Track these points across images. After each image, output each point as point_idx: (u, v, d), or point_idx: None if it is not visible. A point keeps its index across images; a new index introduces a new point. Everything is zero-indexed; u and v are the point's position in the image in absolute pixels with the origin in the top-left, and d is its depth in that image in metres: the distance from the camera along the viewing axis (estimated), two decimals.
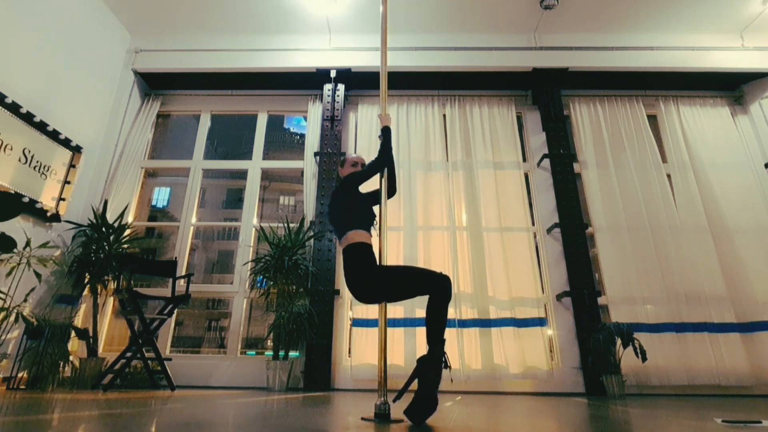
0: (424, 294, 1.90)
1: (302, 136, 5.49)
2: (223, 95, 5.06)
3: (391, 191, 2.30)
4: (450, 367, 1.79)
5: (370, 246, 2.02)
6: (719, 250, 4.07)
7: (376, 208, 2.21)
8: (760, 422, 1.68)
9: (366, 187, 2.26)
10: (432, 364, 1.73)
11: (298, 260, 3.78)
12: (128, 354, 3.27)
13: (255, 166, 4.71)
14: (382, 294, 1.96)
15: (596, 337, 3.47)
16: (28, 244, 3.25)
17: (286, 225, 3.97)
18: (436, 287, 1.86)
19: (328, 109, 4.60)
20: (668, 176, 4.41)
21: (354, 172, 2.23)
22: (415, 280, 1.93)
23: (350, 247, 1.99)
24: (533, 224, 4.33)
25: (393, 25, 4.42)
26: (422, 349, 3.65)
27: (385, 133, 2.26)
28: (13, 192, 3.31)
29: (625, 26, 4.67)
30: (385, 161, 2.21)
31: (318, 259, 4.05)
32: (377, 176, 2.25)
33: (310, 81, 4.77)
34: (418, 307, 3.84)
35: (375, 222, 2.17)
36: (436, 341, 1.78)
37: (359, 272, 1.96)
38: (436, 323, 1.81)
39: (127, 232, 4.01)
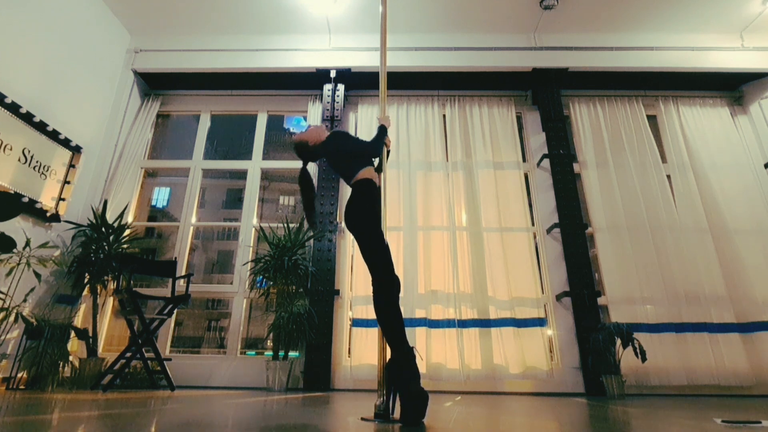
0: (372, 273, 1.90)
1: None
2: (223, 95, 5.06)
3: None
4: (416, 357, 1.76)
5: (375, 183, 2.13)
6: (719, 250, 4.07)
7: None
8: (760, 422, 1.68)
9: None
10: (400, 365, 1.71)
11: (297, 260, 3.78)
12: (128, 354, 3.26)
13: (255, 166, 4.71)
14: (360, 235, 1.98)
15: (596, 337, 3.47)
16: (27, 244, 3.25)
17: (285, 225, 3.97)
18: (383, 275, 1.86)
19: (328, 109, 4.60)
20: (668, 176, 4.41)
21: (347, 134, 2.38)
22: (377, 254, 1.91)
23: (365, 181, 2.10)
24: (533, 224, 4.33)
25: (393, 25, 4.42)
26: (420, 348, 3.66)
27: (381, 132, 2.29)
28: (12, 192, 3.31)
29: (625, 26, 4.67)
30: (373, 149, 2.24)
31: (318, 259, 4.05)
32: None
33: (310, 81, 4.77)
34: (417, 307, 3.84)
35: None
36: (397, 341, 1.75)
37: (361, 206, 2.03)
38: (391, 322, 1.78)
39: (127, 232, 4.01)
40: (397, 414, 1.73)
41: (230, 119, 5.33)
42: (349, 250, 4.27)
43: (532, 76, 4.70)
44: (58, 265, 3.64)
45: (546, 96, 4.65)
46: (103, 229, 3.83)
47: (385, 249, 1.94)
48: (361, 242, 1.98)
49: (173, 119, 5.34)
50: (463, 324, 3.79)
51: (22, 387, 3.20)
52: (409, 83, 4.78)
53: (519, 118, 4.86)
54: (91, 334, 3.55)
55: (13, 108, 3.34)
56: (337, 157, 2.31)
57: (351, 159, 2.21)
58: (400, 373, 1.70)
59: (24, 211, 3.44)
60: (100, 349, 3.89)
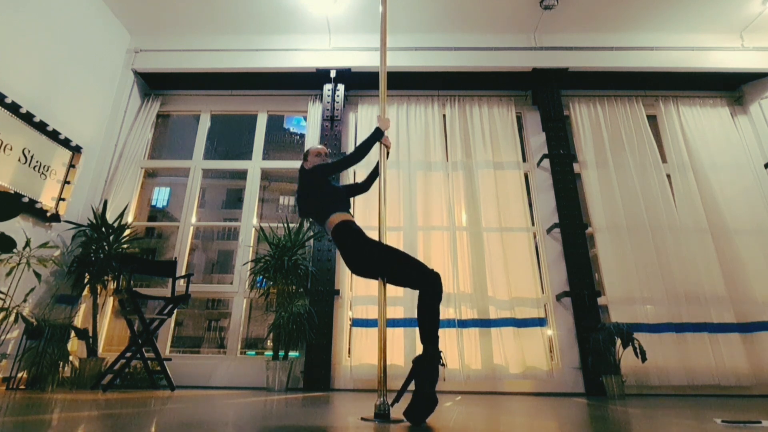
0: (414, 287, 1.91)
1: (302, 136, 5.49)
2: (223, 95, 5.06)
3: (365, 187, 2.46)
4: (445, 365, 1.79)
5: (352, 222, 2.11)
6: (719, 250, 4.07)
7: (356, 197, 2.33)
8: (760, 422, 1.68)
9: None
10: (428, 364, 1.73)
11: (297, 260, 3.78)
12: (128, 354, 3.27)
13: (255, 166, 4.71)
14: (374, 269, 1.99)
15: (596, 337, 3.47)
16: (27, 244, 3.25)
17: (285, 225, 3.97)
18: (425, 282, 1.86)
19: (327, 109, 4.60)
20: (668, 176, 4.41)
21: (322, 164, 2.29)
22: (406, 268, 1.92)
23: (336, 229, 2.07)
24: (533, 224, 4.33)
25: (393, 25, 4.42)
26: (421, 348, 3.65)
27: (373, 133, 2.29)
28: (12, 192, 3.31)
29: (625, 26, 4.67)
30: (355, 158, 2.25)
31: (318, 259, 4.05)
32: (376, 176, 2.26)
33: (310, 81, 4.77)
34: None
35: (350, 208, 2.28)
36: (430, 340, 1.79)
37: (350, 247, 2.01)
38: (428, 322, 1.82)
39: (127, 232, 4.01)
40: (398, 413, 1.73)
41: (230, 119, 5.33)
42: None
43: (532, 76, 4.70)
44: (58, 265, 3.64)
45: (546, 96, 4.64)
46: (103, 229, 3.82)
47: (406, 259, 1.94)
48: (382, 276, 1.98)
49: (173, 119, 5.34)
50: (463, 324, 3.78)
51: (22, 387, 3.20)
52: (409, 83, 4.78)
53: (519, 118, 4.86)
54: (91, 334, 3.54)
55: (13, 108, 3.34)
56: (309, 195, 2.25)
57: (320, 200, 2.18)
58: (420, 370, 1.72)
59: (24, 211, 3.44)
60: (100, 349, 3.89)
